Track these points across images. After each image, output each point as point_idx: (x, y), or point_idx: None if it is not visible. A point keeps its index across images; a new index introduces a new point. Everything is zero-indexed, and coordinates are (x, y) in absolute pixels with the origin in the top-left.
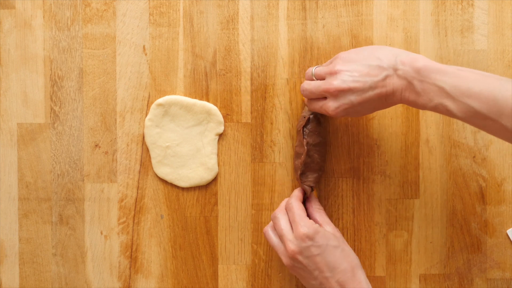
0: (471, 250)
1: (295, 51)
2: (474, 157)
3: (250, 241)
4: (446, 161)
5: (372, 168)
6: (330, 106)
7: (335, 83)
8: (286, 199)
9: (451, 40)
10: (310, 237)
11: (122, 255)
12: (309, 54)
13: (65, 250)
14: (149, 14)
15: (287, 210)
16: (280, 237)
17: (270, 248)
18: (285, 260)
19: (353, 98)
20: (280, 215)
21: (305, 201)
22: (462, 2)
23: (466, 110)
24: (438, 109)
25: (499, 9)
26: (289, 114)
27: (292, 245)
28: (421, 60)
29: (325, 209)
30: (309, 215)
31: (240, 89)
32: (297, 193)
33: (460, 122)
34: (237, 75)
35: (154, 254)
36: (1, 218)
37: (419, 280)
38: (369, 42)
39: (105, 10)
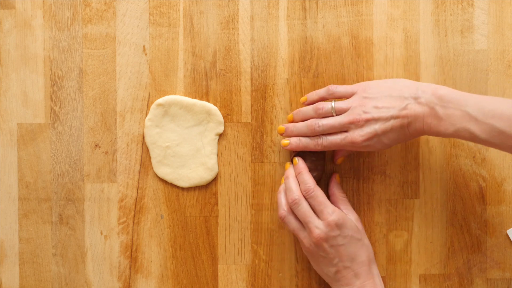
0: (471, 250)
1: (295, 51)
2: (474, 157)
3: (250, 241)
4: (446, 161)
5: (372, 168)
6: (357, 135)
7: (361, 113)
8: (289, 172)
9: (451, 40)
10: (339, 226)
11: (122, 255)
12: (309, 54)
13: (65, 250)
14: (149, 14)
15: (308, 197)
16: (305, 222)
17: (270, 248)
18: (307, 244)
19: (377, 127)
20: (302, 200)
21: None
22: (462, 2)
23: (490, 130)
24: (460, 133)
25: (499, 9)
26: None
27: (319, 232)
28: (443, 88)
29: None
30: (332, 203)
31: (240, 89)
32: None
33: None
34: (237, 75)
35: (154, 254)
36: (1, 218)
37: (419, 280)
38: (369, 42)
39: (105, 10)
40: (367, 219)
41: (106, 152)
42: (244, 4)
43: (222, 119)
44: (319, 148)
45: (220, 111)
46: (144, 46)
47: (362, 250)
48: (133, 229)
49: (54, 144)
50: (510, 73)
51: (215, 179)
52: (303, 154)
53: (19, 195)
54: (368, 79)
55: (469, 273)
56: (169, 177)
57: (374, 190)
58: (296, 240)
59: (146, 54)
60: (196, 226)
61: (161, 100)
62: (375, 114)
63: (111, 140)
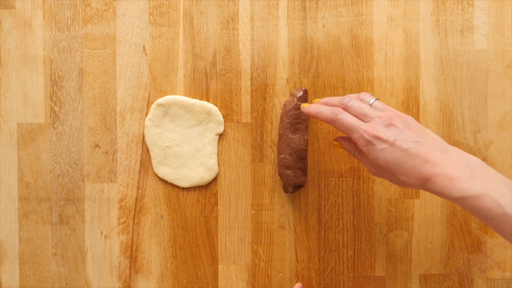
0: (471, 250)
1: (295, 51)
2: None
3: (250, 241)
4: None
5: None
6: (371, 128)
7: (391, 119)
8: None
9: (451, 40)
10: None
11: (122, 255)
12: (309, 54)
13: (65, 250)
14: (149, 14)
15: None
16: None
17: (270, 248)
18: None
19: (395, 136)
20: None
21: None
22: (462, 2)
23: None
24: (480, 198)
25: (499, 9)
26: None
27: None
28: (476, 159)
29: (325, 209)
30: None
31: (240, 89)
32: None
33: (460, 122)
34: (237, 75)
35: (154, 254)
36: (1, 218)
37: (419, 280)
38: (369, 42)
39: (105, 10)
40: (367, 219)
41: (106, 152)
42: (244, 4)
43: (222, 119)
44: (331, 118)
45: (220, 111)
46: (144, 46)
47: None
48: (133, 229)
49: (54, 144)
50: (510, 73)
51: (215, 179)
52: (290, 167)
53: (19, 195)
54: (368, 79)
55: (469, 273)
56: (169, 177)
57: (374, 190)
58: (296, 240)
59: (146, 54)
60: (196, 226)
61: (161, 100)
62: (402, 127)
63: (111, 140)
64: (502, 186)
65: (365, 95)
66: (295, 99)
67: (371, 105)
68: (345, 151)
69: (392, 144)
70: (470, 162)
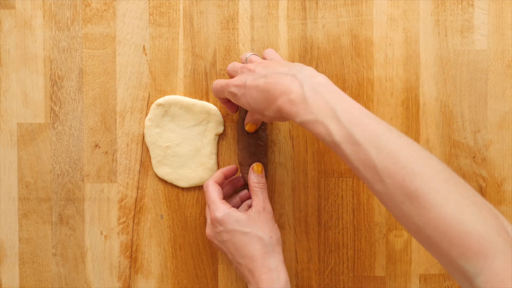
0: None
1: (295, 51)
2: (474, 157)
3: None
4: (446, 161)
5: None
6: (232, 79)
7: (249, 64)
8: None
9: (451, 40)
10: (220, 222)
11: (122, 255)
12: (309, 54)
13: (65, 250)
14: (149, 14)
15: (204, 192)
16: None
17: None
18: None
19: (249, 78)
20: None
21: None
22: (462, 2)
23: (347, 137)
24: (315, 126)
25: (499, 9)
26: None
27: (208, 229)
28: (322, 77)
29: (324, 209)
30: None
31: None
32: (215, 174)
33: (460, 122)
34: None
35: (154, 254)
36: (1, 218)
37: (419, 280)
38: (369, 42)
39: (105, 10)
40: (367, 219)
41: (106, 152)
42: (244, 4)
43: (222, 119)
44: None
45: (220, 111)
46: (144, 46)
47: (252, 243)
48: (133, 229)
49: (54, 144)
50: (510, 73)
51: None
52: (248, 145)
53: (19, 195)
54: (368, 79)
55: None
56: (169, 177)
57: None
58: (296, 240)
59: (146, 54)
60: (196, 226)
61: (161, 100)
62: (254, 67)
63: (111, 140)
64: (336, 112)
65: (247, 52)
66: None
67: (246, 60)
68: None
69: (245, 86)
70: (315, 83)
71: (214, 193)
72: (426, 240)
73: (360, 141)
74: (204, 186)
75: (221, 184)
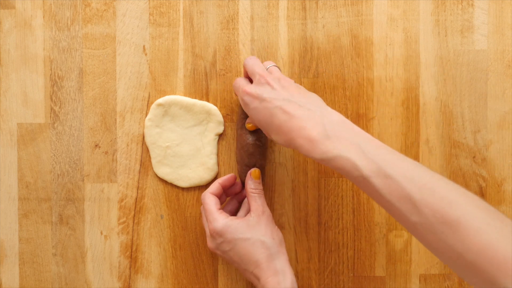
0: None
1: (295, 51)
2: (474, 157)
3: None
4: (446, 161)
5: None
6: (249, 85)
7: (270, 75)
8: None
9: (451, 40)
10: (219, 233)
11: (122, 255)
12: (309, 54)
13: (65, 250)
14: (149, 14)
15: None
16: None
17: None
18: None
19: (265, 94)
20: (202, 209)
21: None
22: (462, 2)
23: (376, 170)
24: (337, 161)
25: (499, 9)
26: None
27: (209, 242)
28: (336, 115)
29: (324, 209)
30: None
31: None
32: (212, 185)
33: (460, 122)
34: (237, 75)
35: (154, 254)
36: (1, 218)
37: (419, 280)
38: (369, 42)
39: (105, 10)
40: (367, 219)
41: (106, 152)
42: (244, 4)
43: (222, 119)
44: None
45: (220, 111)
46: (144, 46)
47: (253, 250)
48: (133, 229)
49: (54, 144)
50: (510, 73)
51: (215, 179)
52: (246, 145)
53: (19, 195)
54: (368, 79)
55: None
56: (169, 177)
57: None
58: (296, 240)
59: (146, 54)
60: (196, 226)
61: (161, 100)
62: (274, 84)
63: (111, 140)
64: (361, 147)
65: (268, 61)
66: None
67: (267, 69)
68: None
69: (262, 101)
70: (331, 121)
71: (211, 204)
72: (466, 267)
73: (392, 174)
74: (201, 197)
75: (218, 195)
